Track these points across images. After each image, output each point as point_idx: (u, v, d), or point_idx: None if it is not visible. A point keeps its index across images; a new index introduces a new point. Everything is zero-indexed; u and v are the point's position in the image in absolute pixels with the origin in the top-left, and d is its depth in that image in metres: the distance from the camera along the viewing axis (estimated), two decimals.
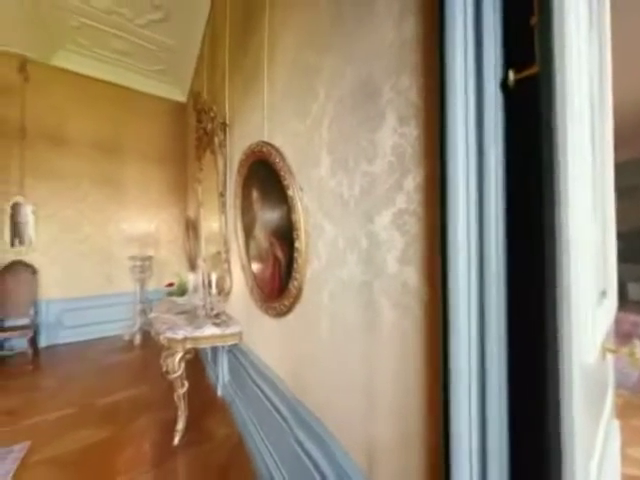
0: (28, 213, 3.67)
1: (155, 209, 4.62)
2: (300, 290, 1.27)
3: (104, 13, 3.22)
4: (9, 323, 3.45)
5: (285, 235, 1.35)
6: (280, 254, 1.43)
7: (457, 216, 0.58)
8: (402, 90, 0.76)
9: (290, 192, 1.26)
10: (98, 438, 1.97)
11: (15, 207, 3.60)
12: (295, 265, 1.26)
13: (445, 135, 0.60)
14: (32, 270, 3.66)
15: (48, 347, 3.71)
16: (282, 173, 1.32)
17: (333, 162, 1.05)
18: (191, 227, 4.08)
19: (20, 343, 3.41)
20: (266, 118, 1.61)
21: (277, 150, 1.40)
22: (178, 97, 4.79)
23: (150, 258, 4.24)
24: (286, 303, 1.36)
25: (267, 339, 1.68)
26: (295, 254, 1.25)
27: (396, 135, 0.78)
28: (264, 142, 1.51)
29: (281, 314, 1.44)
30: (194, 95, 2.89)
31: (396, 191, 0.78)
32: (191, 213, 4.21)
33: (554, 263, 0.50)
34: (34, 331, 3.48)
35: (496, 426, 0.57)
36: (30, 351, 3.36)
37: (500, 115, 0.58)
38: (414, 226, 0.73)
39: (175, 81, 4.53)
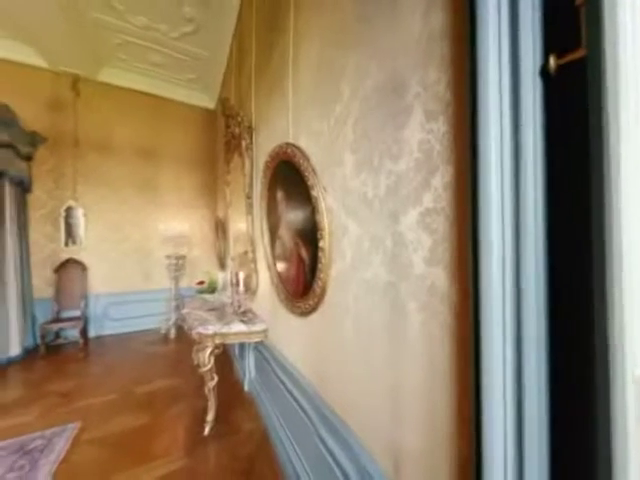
0: (79, 216, 4.07)
1: (188, 211, 4.89)
2: (324, 290, 1.27)
3: (142, 29, 3.47)
4: (64, 315, 3.85)
5: (309, 235, 1.36)
6: (304, 254, 1.45)
7: (489, 215, 0.55)
8: (430, 84, 0.74)
9: (314, 192, 1.27)
10: (137, 423, 2.13)
11: (68, 210, 4.01)
12: (319, 265, 1.27)
13: (476, 129, 0.57)
14: (82, 267, 4.05)
15: (96, 337, 4.09)
16: (306, 174, 1.33)
17: (357, 161, 1.04)
18: (220, 228, 4.26)
19: (73, 333, 3.79)
20: (291, 120, 1.64)
21: (301, 151, 1.41)
22: (208, 104, 5.03)
23: (183, 257, 4.50)
24: (310, 302, 1.37)
25: (292, 337, 1.71)
26: (319, 254, 1.26)
27: (423, 131, 0.76)
28: (288, 143, 1.53)
29: (305, 313, 1.45)
30: (222, 101, 3.02)
31: (423, 189, 0.76)
32: (220, 214, 4.40)
33: (604, 266, 0.45)
34: (84, 322, 3.86)
35: (534, 444, 0.52)
36: (81, 340, 3.73)
37: (539, 105, 0.54)
38: (442, 226, 0.70)
39: (205, 89, 4.76)
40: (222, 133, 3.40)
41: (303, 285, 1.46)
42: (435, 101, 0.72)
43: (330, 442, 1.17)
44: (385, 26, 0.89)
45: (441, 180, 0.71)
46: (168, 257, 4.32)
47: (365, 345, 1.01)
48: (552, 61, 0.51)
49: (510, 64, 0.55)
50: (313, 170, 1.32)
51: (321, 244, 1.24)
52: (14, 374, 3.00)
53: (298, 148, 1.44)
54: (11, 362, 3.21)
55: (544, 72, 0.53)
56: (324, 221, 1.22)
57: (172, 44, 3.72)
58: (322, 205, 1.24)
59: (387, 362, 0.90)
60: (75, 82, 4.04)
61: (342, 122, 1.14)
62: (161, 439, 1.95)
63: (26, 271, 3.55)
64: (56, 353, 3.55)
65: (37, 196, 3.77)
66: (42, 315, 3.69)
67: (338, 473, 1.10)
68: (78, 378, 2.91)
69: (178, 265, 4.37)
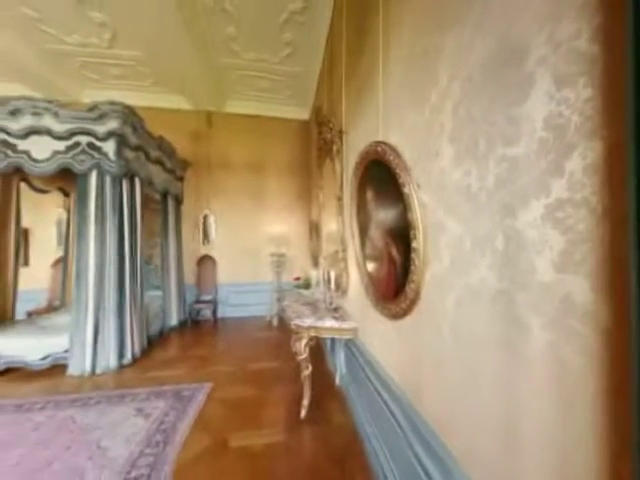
0: (211, 221, 5.20)
1: (286, 214, 5.50)
2: (418, 293, 1.19)
3: (253, 62, 4.12)
4: (202, 298, 5.00)
5: (401, 235, 1.29)
6: (396, 254, 1.39)
7: None
8: (562, 41, 0.58)
9: (406, 189, 1.20)
10: (249, 394, 2.54)
11: (205, 217, 5.19)
12: (412, 267, 1.19)
13: None
14: (213, 261, 5.15)
15: (221, 318, 5.11)
16: (397, 171, 1.27)
17: (458, 150, 0.92)
18: (314, 228, 4.59)
19: (207, 313, 4.90)
20: (381, 117, 1.60)
21: (392, 148, 1.36)
22: (303, 115, 5.50)
23: (283, 255, 5.09)
24: (402, 306, 1.30)
25: (382, 339, 1.67)
26: (412, 255, 1.18)
27: (552, 102, 0.60)
28: (378, 142, 1.50)
29: (397, 316, 1.39)
30: (315, 111, 3.24)
31: (552, 176, 0.60)
32: (314, 216, 4.73)
33: None
34: (214, 305, 4.90)
35: None
36: (212, 319, 4.79)
37: None
38: (583, 222, 0.54)
39: (300, 102, 5.23)
40: (315, 140, 3.65)
41: (394, 287, 1.41)
42: (571, 61, 0.56)
43: (423, 457, 1.08)
44: None
45: (581, 162, 0.54)
46: (271, 255, 4.97)
47: (467, 360, 0.88)
48: None
49: None
50: (405, 166, 1.25)
51: (414, 244, 1.16)
52: (172, 339, 4.11)
53: (388, 145, 1.39)
54: (171, 330, 4.40)
55: None
56: (417, 219, 1.14)
57: (274, 68, 4.26)
58: (415, 202, 1.16)
59: (497, 384, 0.76)
60: (209, 116, 5.19)
61: (439, 110, 1.03)
62: (266, 411, 2.26)
63: (180, 263, 4.78)
64: (197, 327, 4.66)
65: (186, 207, 5.01)
66: (189, 297, 4.90)
67: None
68: (210, 348, 3.72)
69: (279, 262, 4.96)
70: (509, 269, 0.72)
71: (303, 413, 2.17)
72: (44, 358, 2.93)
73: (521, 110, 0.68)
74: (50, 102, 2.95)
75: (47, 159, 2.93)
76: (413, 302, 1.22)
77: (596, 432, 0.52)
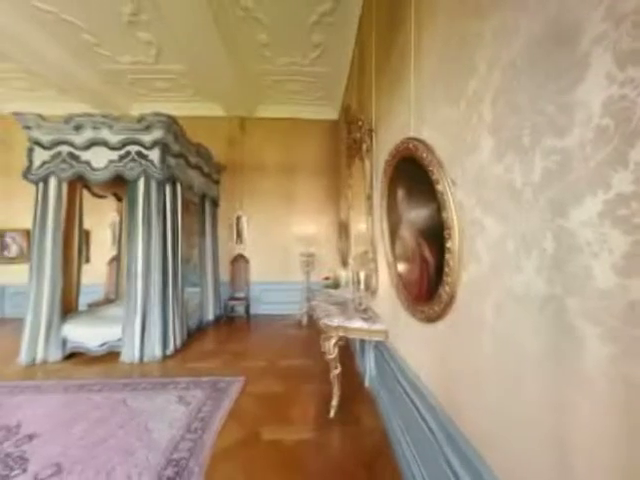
0: (244, 222, 5.42)
1: (315, 214, 5.54)
2: (453, 297, 1.12)
3: (284, 66, 4.21)
4: (235, 295, 5.24)
5: (434, 235, 1.23)
6: (428, 255, 1.33)
7: None
8: (626, 14, 0.51)
9: (439, 187, 1.15)
10: (280, 390, 2.61)
11: (238, 218, 5.43)
12: (446, 268, 1.13)
13: None
14: (245, 260, 5.37)
15: (254, 315, 5.30)
16: (430, 168, 1.22)
17: (499, 143, 0.86)
18: (342, 229, 4.56)
19: (240, 309, 5.12)
20: (412, 113, 1.54)
21: (424, 144, 1.30)
22: (332, 115, 5.50)
23: (313, 255, 5.14)
24: (435, 309, 1.24)
25: (414, 343, 1.61)
26: (446, 255, 1.12)
27: (613, 85, 0.53)
28: (410, 138, 1.45)
29: (430, 320, 1.33)
30: (345, 110, 3.22)
31: (612, 168, 0.53)
32: (342, 216, 4.71)
33: None
34: (247, 302, 5.11)
35: None
36: (245, 316, 4.99)
37: None
38: None
39: (329, 102, 5.23)
40: (344, 140, 3.63)
41: (426, 289, 1.35)
42: (637, 36, 0.49)
43: (459, 469, 1.02)
44: None
45: None
46: (301, 254, 5.05)
47: (511, 372, 0.81)
48: None
49: None
50: (438, 162, 1.19)
51: (449, 244, 1.10)
52: (209, 333, 4.37)
53: (420, 141, 1.34)
54: (208, 324, 4.67)
55: None
56: (452, 218, 1.08)
57: (304, 70, 4.31)
58: (450, 201, 1.10)
59: (546, 401, 0.69)
60: (242, 122, 5.42)
61: (477, 100, 0.97)
62: (296, 408, 2.31)
63: (216, 262, 5.05)
64: (231, 322, 4.89)
65: (221, 209, 5.29)
66: (224, 294, 5.15)
67: None
68: (243, 343, 3.88)
69: (309, 261, 5.03)
70: (559, 273, 0.65)
71: (332, 413, 2.17)
72: (102, 345, 3.29)
73: (574, 95, 0.61)
74: (105, 116, 3.31)
75: (104, 167, 3.28)
76: (447, 305, 1.16)
77: None
